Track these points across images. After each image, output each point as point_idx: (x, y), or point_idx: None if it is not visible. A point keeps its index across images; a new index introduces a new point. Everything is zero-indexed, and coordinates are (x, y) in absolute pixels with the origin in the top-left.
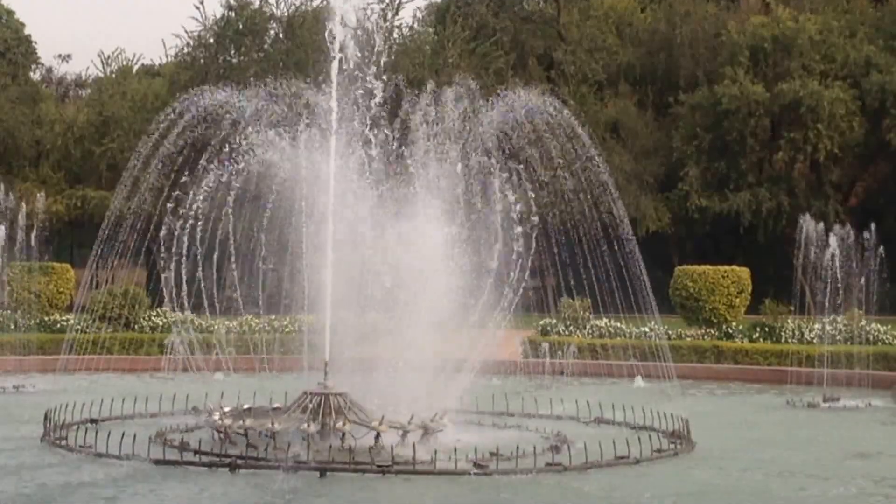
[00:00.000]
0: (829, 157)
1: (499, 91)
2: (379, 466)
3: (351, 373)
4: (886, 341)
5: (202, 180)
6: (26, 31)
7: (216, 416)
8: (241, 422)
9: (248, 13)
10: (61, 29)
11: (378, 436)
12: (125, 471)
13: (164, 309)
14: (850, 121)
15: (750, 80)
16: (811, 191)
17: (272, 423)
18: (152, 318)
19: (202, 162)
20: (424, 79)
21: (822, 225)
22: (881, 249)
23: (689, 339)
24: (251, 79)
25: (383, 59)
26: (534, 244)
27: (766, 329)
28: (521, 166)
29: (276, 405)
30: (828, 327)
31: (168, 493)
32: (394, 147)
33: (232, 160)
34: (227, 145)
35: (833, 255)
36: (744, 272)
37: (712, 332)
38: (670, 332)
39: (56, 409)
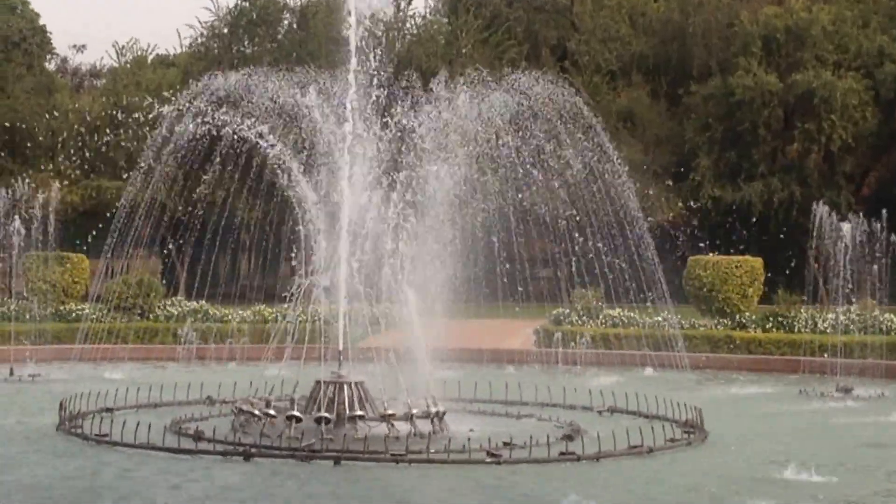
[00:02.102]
0: (842, 148)
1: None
2: (392, 455)
3: (363, 362)
4: None
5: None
6: (41, 22)
7: (245, 407)
8: (255, 410)
9: (261, 3)
10: (76, 19)
11: (392, 424)
12: (140, 459)
13: (178, 298)
14: (863, 111)
15: (763, 71)
16: (823, 181)
17: (286, 412)
18: (167, 307)
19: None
20: (438, 69)
21: (834, 214)
22: (894, 239)
23: (702, 328)
24: (265, 69)
25: (397, 48)
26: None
27: (779, 319)
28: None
29: (289, 394)
30: (841, 317)
31: (183, 481)
32: (405, 136)
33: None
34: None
35: (846, 245)
36: (757, 262)
37: (725, 321)
38: (683, 322)
39: (71, 398)
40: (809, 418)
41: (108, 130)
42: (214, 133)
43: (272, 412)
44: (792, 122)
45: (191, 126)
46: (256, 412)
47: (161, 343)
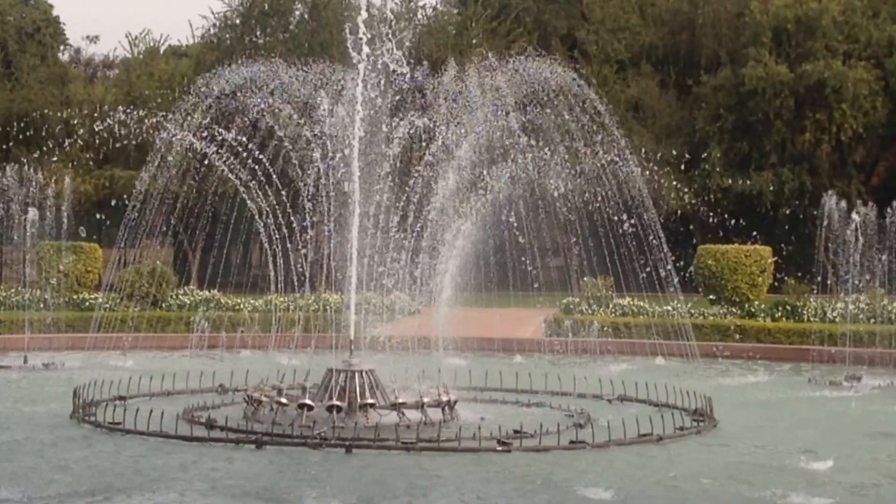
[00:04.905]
0: (853, 138)
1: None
2: (404, 443)
3: (374, 351)
4: None
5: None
6: (55, 13)
7: (256, 395)
8: (267, 399)
9: None
10: (89, 10)
11: (403, 413)
12: (153, 447)
13: (190, 287)
14: (873, 101)
15: (774, 61)
16: (834, 171)
17: (298, 400)
18: (179, 296)
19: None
20: (447, 59)
21: (844, 203)
22: None
23: (711, 317)
24: (277, 59)
25: (408, 39)
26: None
27: (789, 308)
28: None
29: (301, 382)
30: (850, 306)
31: (195, 469)
32: (417, 125)
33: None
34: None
35: (855, 234)
36: (766, 251)
37: (735, 310)
38: (693, 311)
39: (84, 387)
40: (818, 407)
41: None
42: (227, 122)
43: (284, 400)
44: (803, 112)
45: (203, 116)
46: (266, 400)
47: (174, 332)
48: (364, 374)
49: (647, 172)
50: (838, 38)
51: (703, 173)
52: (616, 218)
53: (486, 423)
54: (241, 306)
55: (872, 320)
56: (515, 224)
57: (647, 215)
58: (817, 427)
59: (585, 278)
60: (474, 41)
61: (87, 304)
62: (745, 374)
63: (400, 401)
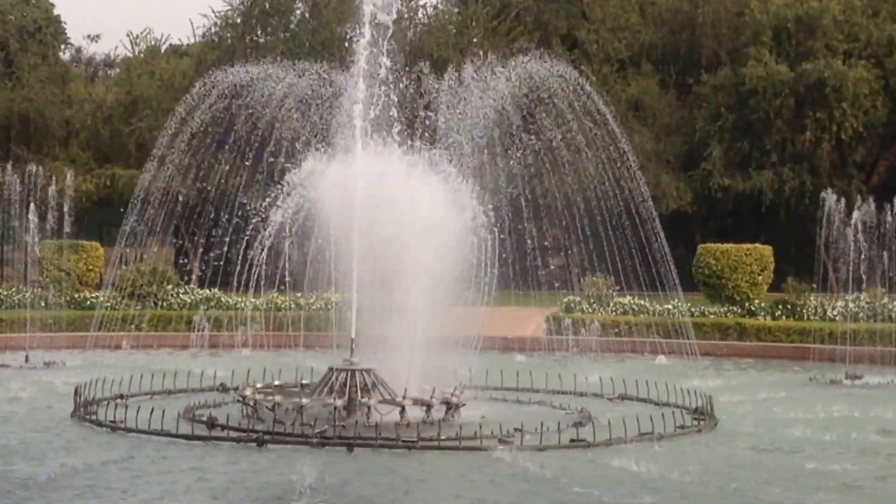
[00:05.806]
0: (853, 137)
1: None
2: (405, 442)
3: (374, 350)
4: None
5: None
6: (56, 12)
7: (248, 393)
8: (268, 397)
9: None
10: (90, 9)
11: (403, 411)
12: (154, 446)
13: (192, 286)
14: (873, 100)
15: (774, 60)
16: (834, 170)
17: (299, 399)
18: (180, 295)
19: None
20: (449, 59)
21: (844, 202)
22: None
23: (712, 316)
24: (278, 58)
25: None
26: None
27: (789, 306)
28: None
29: (303, 381)
30: (850, 305)
31: (196, 468)
32: (418, 125)
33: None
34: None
35: (856, 233)
36: (766, 250)
37: (735, 309)
38: (693, 310)
39: (85, 385)
40: (819, 405)
41: (122, 119)
42: (228, 121)
43: (280, 399)
44: (803, 111)
45: (203, 115)
46: (259, 399)
47: (175, 331)
48: (364, 372)
49: (648, 171)
50: (838, 38)
51: (703, 173)
52: (617, 217)
53: (486, 421)
54: (242, 305)
55: (872, 319)
56: (517, 222)
57: (648, 214)
58: (818, 426)
59: (586, 277)
60: (475, 40)
61: (89, 302)
62: (746, 372)
63: (400, 400)
